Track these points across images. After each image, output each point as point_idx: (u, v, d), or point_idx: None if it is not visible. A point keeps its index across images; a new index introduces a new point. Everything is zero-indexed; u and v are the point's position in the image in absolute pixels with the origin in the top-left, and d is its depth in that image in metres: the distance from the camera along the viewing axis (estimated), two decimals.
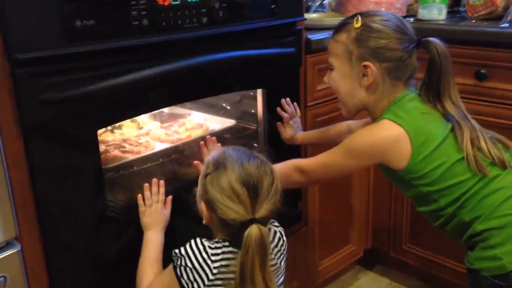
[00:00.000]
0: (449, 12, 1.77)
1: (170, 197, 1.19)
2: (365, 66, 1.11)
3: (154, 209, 1.15)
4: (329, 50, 1.18)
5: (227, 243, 0.95)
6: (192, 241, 0.96)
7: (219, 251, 0.95)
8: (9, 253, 0.93)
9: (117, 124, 1.42)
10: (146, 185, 1.16)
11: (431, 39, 1.12)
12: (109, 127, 1.41)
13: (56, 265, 1.05)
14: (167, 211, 1.18)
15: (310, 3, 1.97)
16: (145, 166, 1.30)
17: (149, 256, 1.11)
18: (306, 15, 1.52)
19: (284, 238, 1.04)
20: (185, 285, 0.94)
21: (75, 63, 0.98)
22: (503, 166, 1.08)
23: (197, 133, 1.43)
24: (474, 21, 1.66)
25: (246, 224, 0.90)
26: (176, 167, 1.38)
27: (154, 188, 1.16)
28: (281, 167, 1.16)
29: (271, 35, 1.33)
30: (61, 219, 1.04)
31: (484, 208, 1.06)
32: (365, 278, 1.99)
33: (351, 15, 1.16)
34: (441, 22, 1.69)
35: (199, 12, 1.14)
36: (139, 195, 1.16)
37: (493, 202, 1.06)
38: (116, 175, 1.21)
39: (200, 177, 1.00)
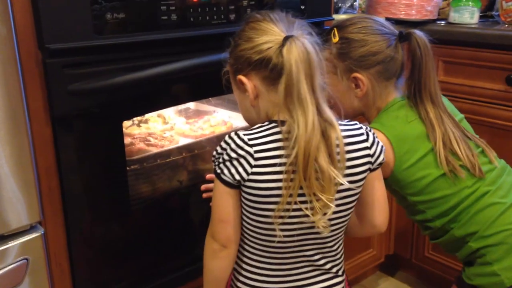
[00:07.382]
0: (481, 17, 1.74)
1: None
2: (355, 78, 1.10)
3: None
4: None
5: (268, 124, 0.88)
6: (226, 136, 0.88)
7: (257, 135, 0.87)
8: (32, 236, 0.95)
9: (143, 118, 1.44)
10: None
11: (413, 31, 1.10)
12: (135, 121, 1.43)
13: (77, 253, 1.07)
14: None
15: (340, 4, 1.96)
16: (168, 160, 1.31)
17: None
18: (335, 16, 1.51)
19: (372, 140, 0.90)
20: (229, 180, 0.86)
21: (104, 55, 1.00)
22: (473, 170, 1.06)
23: (220, 130, 1.44)
24: (507, 25, 1.63)
25: (283, 43, 0.83)
26: (198, 162, 1.39)
27: None
28: None
29: None
30: (84, 207, 1.06)
31: (477, 224, 1.05)
32: (385, 284, 1.96)
33: (328, 29, 1.15)
34: (473, 25, 1.66)
35: (227, 9, 1.15)
36: None
37: (486, 218, 1.05)
38: (140, 167, 1.23)
39: (228, 68, 0.96)
